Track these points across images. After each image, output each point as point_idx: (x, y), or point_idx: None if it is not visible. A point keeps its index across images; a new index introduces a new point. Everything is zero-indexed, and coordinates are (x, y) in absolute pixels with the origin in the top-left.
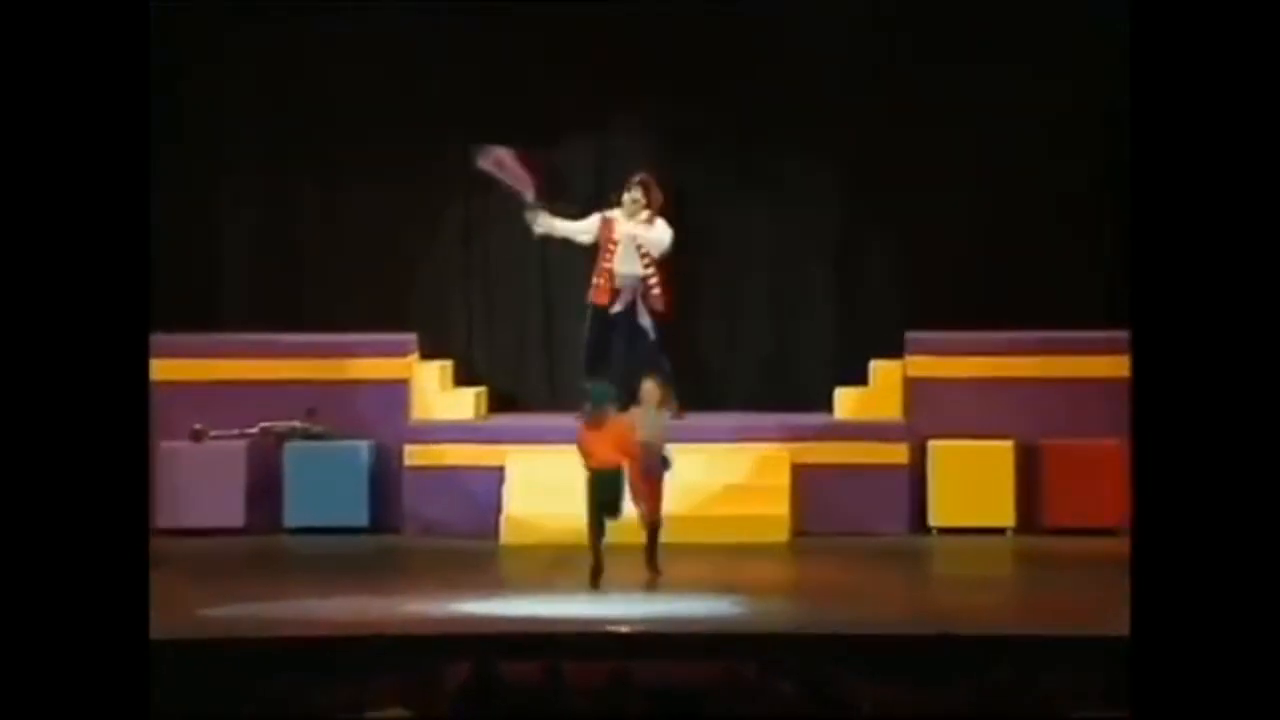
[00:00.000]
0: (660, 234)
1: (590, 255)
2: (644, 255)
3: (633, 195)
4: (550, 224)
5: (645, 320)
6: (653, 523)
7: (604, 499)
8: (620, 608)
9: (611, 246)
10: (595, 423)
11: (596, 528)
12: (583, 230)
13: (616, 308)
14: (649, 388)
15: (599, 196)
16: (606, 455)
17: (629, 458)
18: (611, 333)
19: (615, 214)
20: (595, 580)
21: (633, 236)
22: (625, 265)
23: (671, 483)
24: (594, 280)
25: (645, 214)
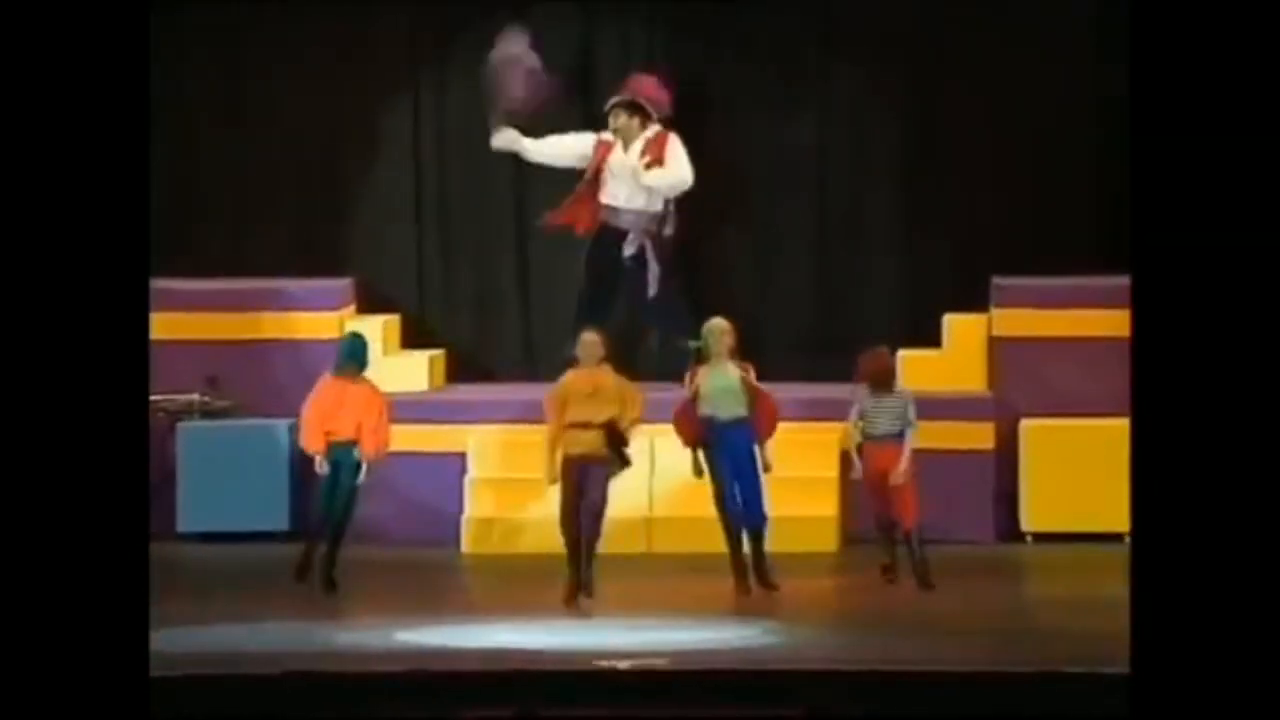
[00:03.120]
0: (674, 175)
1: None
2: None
3: (616, 123)
4: (517, 142)
5: (655, 267)
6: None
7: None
8: (619, 636)
9: (603, 176)
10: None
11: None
12: (571, 153)
13: (628, 250)
14: (721, 330)
15: (587, 104)
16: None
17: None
18: (615, 281)
19: (611, 136)
20: None
21: (634, 170)
22: (631, 201)
23: (676, 478)
24: (569, 204)
25: (652, 131)
